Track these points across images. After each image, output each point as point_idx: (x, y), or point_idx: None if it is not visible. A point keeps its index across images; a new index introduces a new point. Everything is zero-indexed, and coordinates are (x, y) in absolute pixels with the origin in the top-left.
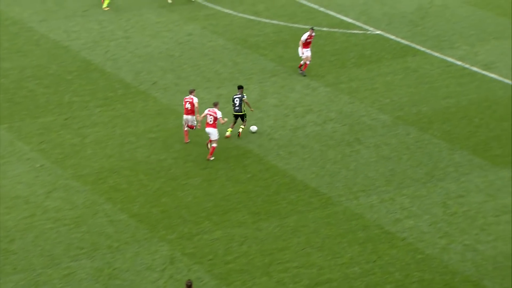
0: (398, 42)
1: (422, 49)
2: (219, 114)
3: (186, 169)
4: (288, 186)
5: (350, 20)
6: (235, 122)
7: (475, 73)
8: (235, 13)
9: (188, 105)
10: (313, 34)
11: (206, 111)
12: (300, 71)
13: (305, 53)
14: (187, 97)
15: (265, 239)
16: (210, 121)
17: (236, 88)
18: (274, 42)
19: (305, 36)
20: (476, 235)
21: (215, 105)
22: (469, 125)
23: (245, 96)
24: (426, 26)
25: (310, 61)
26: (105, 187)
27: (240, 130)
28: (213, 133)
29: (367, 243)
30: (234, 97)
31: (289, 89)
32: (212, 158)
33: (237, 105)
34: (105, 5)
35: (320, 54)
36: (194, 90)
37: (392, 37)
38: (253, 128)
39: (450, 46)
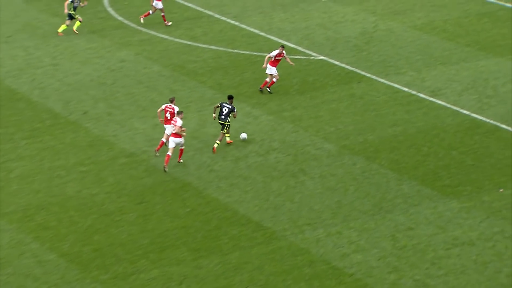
0: (343, 68)
1: (368, 75)
2: (179, 123)
3: (120, 204)
4: (230, 221)
5: (292, 45)
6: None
7: (422, 99)
8: (171, 38)
9: (168, 115)
10: (284, 52)
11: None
12: (263, 89)
13: (271, 70)
14: (168, 105)
15: (205, 277)
16: (173, 131)
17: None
18: (212, 68)
19: (274, 53)
20: (427, 269)
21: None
22: (417, 154)
23: (236, 111)
24: (371, 51)
25: (277, 78)
26: (32, 225)
27: (215, 145)
28: (180, 142)
29: (313, 279)
30: (224, 105)
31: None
32: (181, 161)
33: (224, 113)
34: (60, 30)
35: (261, 80)
36: (175, 98)
37: (336, 62)
38: (243, 135)
39: (396, 72)
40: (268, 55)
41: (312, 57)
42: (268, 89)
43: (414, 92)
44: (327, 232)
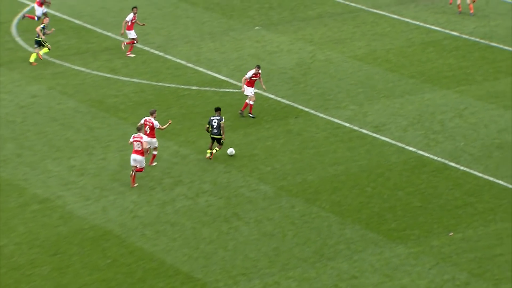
0: (279, 102)
1: (306, 109)
2: (144, 138)
3: (32, 256)
4: (156, 272)
5: (223, 77)
6: (212, 143)
7: (365, 135)
8: (88, 70)
9: (147, 129)
10: (260, 71)
11: (131, 138)
12: (249, 115)
13: (247, 91)
14: (147, 118)
15: None
16: (138, 147)
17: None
18: (135, 103)
19: (250, 74)
20: None
21: (139, 130)
22: (360, 195)
23: (223, 120)
24: (309, 83)
25: (254, 101)
26: None
27: (214, 151)
28: (141, 160)
29: None
30: (212, 118)
31: (155, 158)
32: (135, 185)
33: (215, 127)
34: (32, 59)
35: (190, 116)
36: (155, 111)
37: (272, 96)
38: (231, 151)
39: (336, 106)
40: (244, 77)
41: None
42: (250, 114)
43: (356, 128)
44: (263, 282)
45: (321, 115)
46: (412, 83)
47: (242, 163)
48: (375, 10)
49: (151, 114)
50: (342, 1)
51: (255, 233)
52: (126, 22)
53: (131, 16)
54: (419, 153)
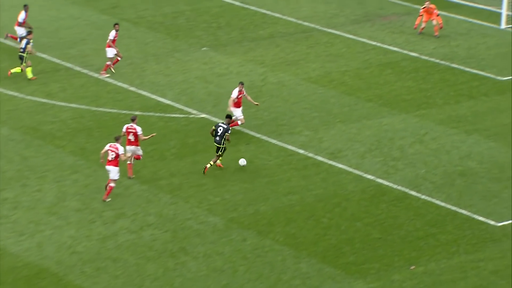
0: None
1: (257, 135)
2: (121, 150)
3: None
4: None
5: (168, 102)
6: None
7: (321, 163)
8: (21, 95)
9: (131, 137)
10: (243, 89)
11: (107, 147)
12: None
13: (236, 113)
14: (129, 126)
15: None
16: (112, 157)
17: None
18: (73, 130)
19: (235, 94)
20: None
21: (117, 139)
22: (316, 227)
23: (230, 131)
24: (260, 107)
25: (243, 123)
26: None
27: (208, 165)
28: (113, 171)
29: None
30: (219, 124)
31: (94, 189)
32: (108, 200)
33: (218, 134)
34: (30, 75)
35: None
36: (137, 117)
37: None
38: (242, 161)
39: (290, 132)
40: (231, 98)
41: (192, 115)
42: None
43: (311, 155)
44: None
45: (274, 141)
46: (369, 107)
47: (190, 193)
48: (329, 30)
49: (133, 120)
50: (295, 20)
51: (204, 269)
52: (109, 40)
53: (113, 33)
54: (377, 181)
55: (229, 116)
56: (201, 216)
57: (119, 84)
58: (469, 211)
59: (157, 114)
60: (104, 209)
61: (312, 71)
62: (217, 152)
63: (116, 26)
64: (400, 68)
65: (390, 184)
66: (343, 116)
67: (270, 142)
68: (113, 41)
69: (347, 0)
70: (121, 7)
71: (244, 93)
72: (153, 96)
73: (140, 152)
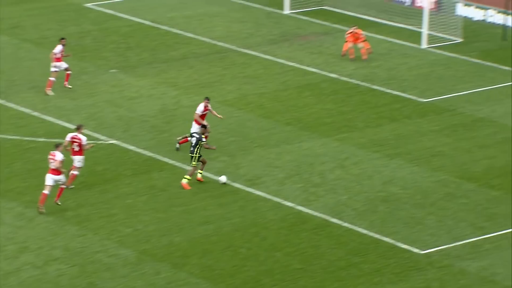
0: (140, 154)
1: (171, 161)
2: (59, 157)
3: None
4: None
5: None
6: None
7: (238, 190)
8: None
9: (75, 146)
10: (209, 104)
11: (68, 137)
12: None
13: (195, 128)
14: (73, 135)
15: None
16: (52, 166)
17: None
18: None
19: (201, 108)
20: None
21: (57, 147)
22: (234, 258)
23: (204, 141)
24: (174, 132)
25: (208, 136)
26: None
27: (185, 181)
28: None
29: None
30: (192, 135)
31: None
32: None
33: (192, 144)
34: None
35: (37, 172)
36: (82, 126)
37: (132, 147)
38: (222, 178)
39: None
40: (196, 114)
41: (101, 142)
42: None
43: (228, 182)
44: None
45: (189, 168)
46: (288, 131)
47: (99, 224)
48: (245, 50)
49: (78, 129)
50: (209, 41)
51: None
52: (54, 54)
53: (59, 48)
54: (298, 209)
55: (203, 126)
56: (111, 249)
57: (21, 109)
58: (392, 239)
59: (63, 141)
60: (5, 243)
61: (228, 94)
62: (190, 163)
63: (63, 40)
64: (319, 90)
65: (311, 212)
66: (261, 141)
67: (185, 169)
68: (61, 55)
69: (263, 19)
70: (22, 27)
71: (209, 108)
72: (59, 122)
73: (81, 163)
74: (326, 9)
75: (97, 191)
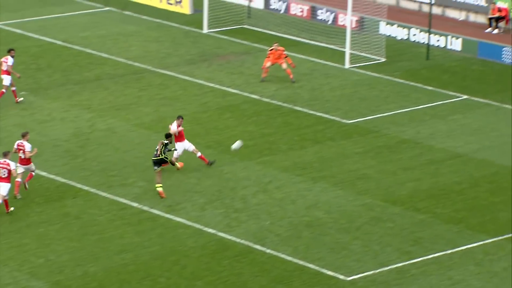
0: (52, 180)
1: (85, 187)
2: (12, 165)
3: None
4: None
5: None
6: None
7: (157, 217)
8: None
9: (21, 154)
10: (181, 125)
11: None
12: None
13: (180, 147)
14: (19, 142)
15: None
16: (4, 175)
17: None
18: None
19: (174, 127)
20: None
21: (5, 155)
22: (153, 287)
23: (169, 146)
24: (88, 157)
25: (198, 151)
26: None
27: (159, 189)
28: (5, 187)
29: None
30: (160, 143)
31: None
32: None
33: (156, 149)
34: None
35: None
36: (28, 132)
37: (43, 173)
38: (237, 145)
39: (121, 183)
40: (173, 132)
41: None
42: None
43: (146, 208)
44: None
45: (104, 194)
46: (209, 154)
47: (9, 255)
48: (162, 71)
49: (23, 136)
50: (124, 61)
51: None
52: (8, 67)
53: (11, 60)
54: (219, 235)
55: (168, 135)
56: (22, 281)
57: None
58: (317, 265)
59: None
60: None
61: (145, 116)
62: (155, 170)
63: (12, 52)
64: (240, 111)
65: (233, 238)
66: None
67: (100, 195)
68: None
69: (181, 38)
70: None
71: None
72: None
73: (33, 168)
74: (246, 28)
75: (6, 220)
